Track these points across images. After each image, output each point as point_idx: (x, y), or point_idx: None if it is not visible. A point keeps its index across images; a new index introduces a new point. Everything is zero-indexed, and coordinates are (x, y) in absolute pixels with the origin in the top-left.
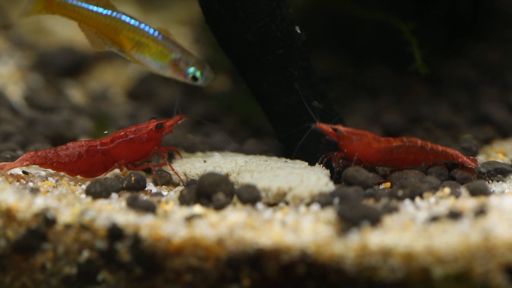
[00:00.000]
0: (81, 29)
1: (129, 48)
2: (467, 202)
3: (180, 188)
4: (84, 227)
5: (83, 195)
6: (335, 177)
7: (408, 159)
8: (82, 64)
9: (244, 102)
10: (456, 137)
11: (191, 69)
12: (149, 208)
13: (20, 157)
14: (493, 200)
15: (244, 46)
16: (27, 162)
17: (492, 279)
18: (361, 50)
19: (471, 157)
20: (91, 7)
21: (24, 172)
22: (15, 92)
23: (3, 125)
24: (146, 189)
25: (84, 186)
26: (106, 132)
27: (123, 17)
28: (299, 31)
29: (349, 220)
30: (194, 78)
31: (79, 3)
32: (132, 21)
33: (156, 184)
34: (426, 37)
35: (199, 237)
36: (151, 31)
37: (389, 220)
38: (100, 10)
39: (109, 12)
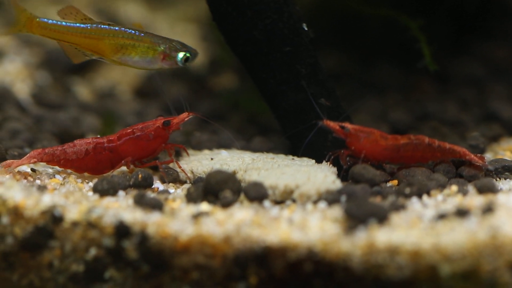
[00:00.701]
0: (60, 46)
1: (112, 54)
2: (474, 200)
3: (187, 185)
4: (91, 225)
5: (90, 193)
6: (342, 174)
7: (415, 156)
8: (89, 61)
9: (251, 99)
10: (464, 134)
11: (181, 54)
12: (156, 206)
13: (28, 154)
14: (500, 198)
15: (251, 43)
16: (35, 159)
17: (499, 277)
18: (368, 48)
19: (479, 155)
20: (71, 24)
21: (32, 169)
22: (22, 90)
23: (10, 122)
24: (153, 186)
25: (91, 184)
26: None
27: (103, 26)
28: (306, 29)
29: (356, 218)
30: (186, 59)
31: (59, 22)
32: (112, 28)
33: (163, 181)
34: (433, 35)
35: (206, 234)
36: (134, 32)
37: (396, 218)
38: (80, 25)
39: (88, 25)
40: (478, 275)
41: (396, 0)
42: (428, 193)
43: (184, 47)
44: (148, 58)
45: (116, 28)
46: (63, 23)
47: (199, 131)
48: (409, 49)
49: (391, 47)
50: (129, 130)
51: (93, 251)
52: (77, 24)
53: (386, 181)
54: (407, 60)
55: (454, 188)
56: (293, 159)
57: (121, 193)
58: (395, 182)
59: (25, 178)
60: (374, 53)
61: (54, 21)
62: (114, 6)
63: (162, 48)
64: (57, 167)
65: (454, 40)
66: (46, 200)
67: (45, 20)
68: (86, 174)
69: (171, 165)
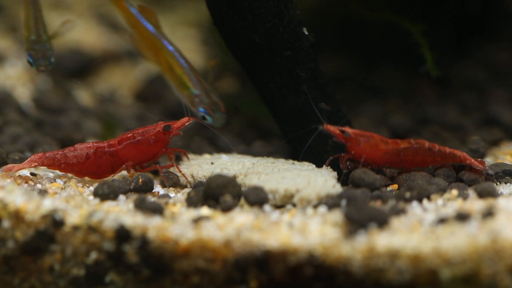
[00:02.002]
0: (133, 41)
1: (164, 69)
2: (475, 204)
3: (187, 190)
4: (92, 229)
5: (91, 197)
6: (343, 179)
7: (416, 161)
8: (90, 65)
9: (251, 103)
10: (464, 139)
11: (202, 110)
12: (157, 210)
13: (29, 158)
14: (501, 202)
15: (252, 47)
16: (36, 163)
17: (500, 281)
18: (369, 52)
19: (479, 159)
20: (143, 20)
21: (32, 173)
22: (23, 94)
23: (11, 126)
24: (153, 191)
25: (92, 188)
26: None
27: (164, 40)
28: (306, 33)
29: (356, 222)
30: (204, 118)
31: (136, 13)
32: (170, 47)
33: (163, 186)
34: (435, 39)
35: (207, 239)
36: (181, 60)
37: (396, 222)
38: (149, 26)
39: (156, 32)
40: (478, 279)
41: (398, 5)
42: (429, 198)
43: (210, 106)
44: (182, 93)
45: (172, 49)
46: (139, 16)
47: (199, 135)
48: (410, 54)
49: (392, 51)
50: (129, 135)
51: (93, 255)
52: (148, 25)
53: (386, 186)
54: (407, 65)
55: (454, 192)
56: (293, 163)
57: (121, 197)
58: (395, 186)
59: (26, 182)
60: (375, 58)
61: (133, 9)
62: (114, 11)
63: (192, 91)
64: (57, 171)
65: (456, 44)
66: (47, 204)
67: (128, 3)
68: (86, 178)
69: (171, 169)
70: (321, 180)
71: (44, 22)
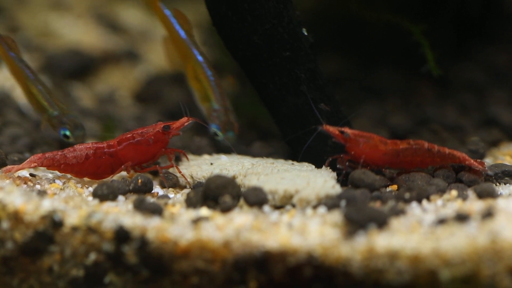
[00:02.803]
0: (164, 46)
1: (190, 76)
2: (474, 205)
3: (187, 190)
4: (91, 230)
5: (90, 198)
6: (342, 179)
7: (415, 161)
8: (90, 66)
9: (251, 104)
10: (463, 139)
11: (215, 126)
12: (156, 211)
13: (28, 159)
14: (500, 203)
15: (251, 48)
16: (35, 164)
17: (499, 282)
18: (368, 53)
19: (478, 160)
20: (175, 23)
21: (31, 174)
22: (22, 95)
23: (10, 127)
24: (153, 191)
25: (91, 189)
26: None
27: (194, 49)
28: (306, 33)
29: (356, 223)
30: (215, 134)
31: (169, 14)
32: (199, 57)
33: (163, 186)
34: (435, 40)
35: (206, 239)
36: (209, 72)
37: (396, 223)
38: (181, 31)
39: (186, 38)
40: (478, 280)
41: (397, 5)
42: (428, 198)
43: (224, 124)
44: (202, 104)
45: (201, 59)
46: (172, 19)
47: (199, 136)
48: (409, 54)
49: (391, 52)
50: (129, 135)
51: (93, 256)
52: (181, 30)
53: (386, 186)
54: (407, 65)
55: (453, 193)
56: (292, 164)
57: (120, 198)
58: (395, 187)
59: (25, 183)
60: (374, 58)
61: (167, 11)
62: (114, 12)
63: (212, 105)
64: (57, 172)
65: (455, 45)
66: (46, 205)
67: (162, 5)
68: (86, 179)
69: (171, 170)
70: (320, 181)
71: (54, 93)
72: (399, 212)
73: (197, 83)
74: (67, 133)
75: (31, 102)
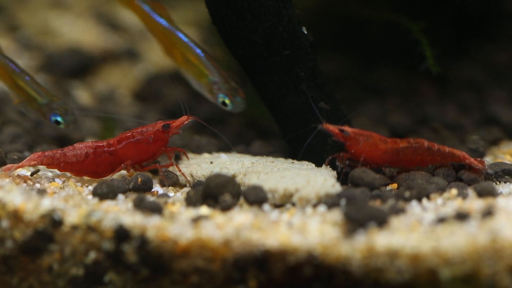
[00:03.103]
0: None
1: (180, 64)
2: (474, 203)
3: (186, 189)
4: (91, 228)
5: (90, 196)
6: (342, 178)
7: (415, 160)
8: (89, 65)
9: (250, 103)
10: (463, 138)
11: (221, 95)
12: (156, 209)
13: (28, 157)
14: (500, 201)
15: (251, 47)
16: (35, 162)
17: (499, 281)
18: (368, 51)
19: (478, 159)
20: (156, 16)
21: (32, 173)
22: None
23: (10, 126)
24: (152, 190)
25: (90, 187)
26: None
27: (179, 34)
28: (305, 32)
29: (355, 222)
30: (224, 103)
31: (148, 10)
32: (185, 38)
33: (162, 185)
34: (434, 39)
35: (206, 238)
36: (198, 50)
37: (396, 222)
38: (162, 21)
39: (169, 26)
40: (478, 278)
41: (397, 3)
42: (428, 197)
43: (229, 91)
44: (199, 83)
45: (187, 40)
46: (151, 13)
47: (198, 134)
48: (409, 53)
49: (391, 51)
50: (128, 134)
51: (92, 255)
52: (161, 20)
53: (386, 185)
54: (407, 64)
55: (453, 191)
56: (292, 162)
57: (120, 196)
58: (395, 185)
59: (25, 181)
60: (374, 57)
61: (146, 7)
62: (113, 10)
63: (211, 79)
64: (56, 171)
65: (455, 44)
66: (46, 203)
67: (141, 3)
68: (85, 177)
69: (170, 168)
70: (320, 180)
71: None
72: (399, 211)
73: (189, 64)
74: (59, 118)
75: (18, 94)
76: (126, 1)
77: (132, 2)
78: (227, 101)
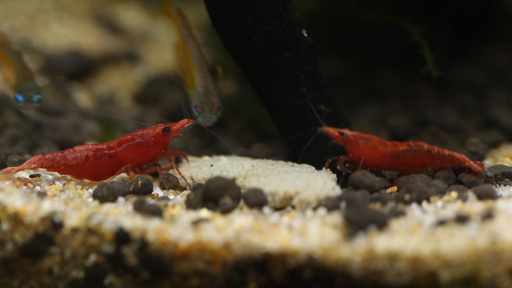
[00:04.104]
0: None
1: (187, 71)
2: (474, 206)
3: (187, 192)
4: (91, 231)
5: (90, 199)
6: (342, 181)
7: (415, 163)
8: (89, 68)
9: (250, 105)
10: (463, 141)
11: (193, 106)
12: (156, 212)
13: (28, 160)
14: (500, 204)
15: (251, 49)
16: (35, 165)
17: (499, 283)
18: (368, 54)
19: (478, 161)
20: (180, 23)
21: (32, 175)
22: None
23: (10, 129)
24: (153, 193)
25: (91, 190)
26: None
27: (189, 43)
28: (305, 35)
29: (356, 224)
30: (194, 114)
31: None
32: (192, 48)
33: (163, 188)
34: (434, 40)
35: (206, 241)
36: (196, 60)
37: (396, 224)
38: (185, 30)
39: (186, 33)
40: (477, 281)
41: (397, 6)
42: (428, 200)
43: (202, 104)
44: (188, 91)
45: (192, 51)
46: (180, 22)
47: (199, 137)
48: (409, 56)
49: (391, 53)
50: (129, 137)
51: (93, 258)
52: (184, 28)
53: (386, 188)
54: (407, 66)
55: (453, 194)
56: (292, 165)
57: (120, 199)
58: (395, 188)
59: (25, 184)
60: (374, 59)
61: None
62: (113, 13)
63: (196, 91)
64: (57, 174)
65: (455, 46)
66: (46, 206)
67: (173, 9)
68: (86, 180)
69: (171, 171)
70: (320, 182)
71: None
72: (399, 214)
73: (187, 71)
74: (20, 98)
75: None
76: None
77: (167, 10)
78: (195, 112)
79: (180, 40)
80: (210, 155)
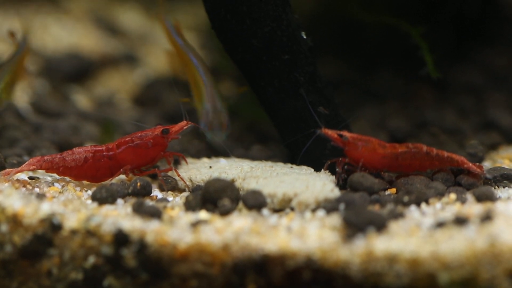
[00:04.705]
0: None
1: (190, 82)
2: (473, 208)
3: (185, 194)
4: (90, 233)
5: (89, 201)
6: (341, 183)
7: (414, 165)
8: (88, 69)
9: (250, 107)
10: (462, 142)
11: (203, 124)
12: (155, 214)
13: (27, 162)
14: (499, 206)
15: (250, 51)
16: (34, 167)
17: (498, 285)
18: (367, 56)
19: (477, 163)
20: (175, 35)
21: (31, 177)
22: (21, 98)
23: (9, 131)
24: (151, 194)
25: (90, 192)
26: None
27: (191, 57)
28: (305, 37)
29: (354, 226)
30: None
31: (170, 27)
32: (195, 60)
33: (162, 189)
34: (433, 42)
35: (205, 242)
36: (203, 76)
37: (395, 226)
38: (181, 42)
39: (183, 45)
40: (476, 283)
41: (396, 9)
42: (427, 202)
43: (210, 122)
44: (196, 107)
45: (196, 62)
46: (172, 30)
47: (198, 139)
48: (408, 57)
49: (390, 55)
50: (128, 138)
51: (92, 259)
52: (179, 39)
53: (385, 190)
54: (406, 68)
55: (452, 196)
56: (291, 167)
57: (119, 201)
58: (394, 190)
59: (24, 186)
60: (373, 61)
61: (169, 23)
62: (112, 15)
63: (205, 108)
64: (55, 175)
65: (454, 48)
66: (45, 208)
67: (166, 20)
68: (84, 182)
69: (169, 173)
70: (319, 184)
71: None
72: (398, 216)
73: (194, 87)
74: None
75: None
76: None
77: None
78: (205, 131)
79: (177, 51)
80: (209, 156)
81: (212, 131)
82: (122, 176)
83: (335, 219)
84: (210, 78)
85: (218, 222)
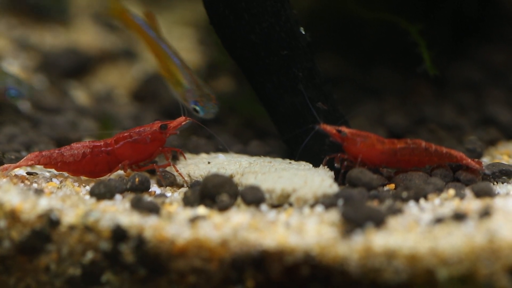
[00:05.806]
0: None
1: (163, 73)
2: (471, 204)
3: (184, 189)
4: (88, 228)
5: (87, 196)
6: (339, 178)
7: (412, 160)
8: (87, 65)
9: (248, 103)
10: (461, 138)
11: (193, 102)
12: (153, 209)
13: (25, 157)
14: (498, 202)
15: (248, 47)
16: (32, 162)
17: (496, 281)
18: (366, 52)
19: (476, 159)
20: (145, 25)
21: (29, 173)
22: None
23: (7, 126)
24: (150, 190)
25: (88, 187)
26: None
27: (162, 44)
28: (303, 32)
29: (353, 222)
30: (195, 110)
31: (139, 20)
32: (166, 48)
33: (160, 185)
34: (432, 39)
35: (203, 238)
36: (175, 59)
37: (393, 222)
38: (151, 32)
39: (154, 35)
40: (475, 279)
41: (395, 5)
42: (425, 197)
43: (201, 97)
44: (176, 91)
45: (167, 50)
46: (141, 22)
47: (196, 134)
48: (407, 54)
49: (389, 51)
50: (126, 134)
51: (90, 255)
52: (150, 30)
53: (383, 185)
54: (404, 64)
55: (451, 192)
56: (290, 163)
57: (118, 196)
58: (392, 186)
59: (22, 181)
60: (372, 57)
61: (137, 17)
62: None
63: (187, 88)
64: (54, 171)
65: (452, 44)
66: (43, 203)
67: (131, 13)
68: (83, 177)
69: (168, 168)
70: (318, 180)
71: None
72: (396, 211)
73: (169, 74)
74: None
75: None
76: (118, 13)
77: (124, 14)
78: (197, 107)
79: (148, 43)
80: (207, 152)
81: (204, 105)
82: (120, 172)
83: (333, 215)
84: (183, 61)
85: (216, 217)
